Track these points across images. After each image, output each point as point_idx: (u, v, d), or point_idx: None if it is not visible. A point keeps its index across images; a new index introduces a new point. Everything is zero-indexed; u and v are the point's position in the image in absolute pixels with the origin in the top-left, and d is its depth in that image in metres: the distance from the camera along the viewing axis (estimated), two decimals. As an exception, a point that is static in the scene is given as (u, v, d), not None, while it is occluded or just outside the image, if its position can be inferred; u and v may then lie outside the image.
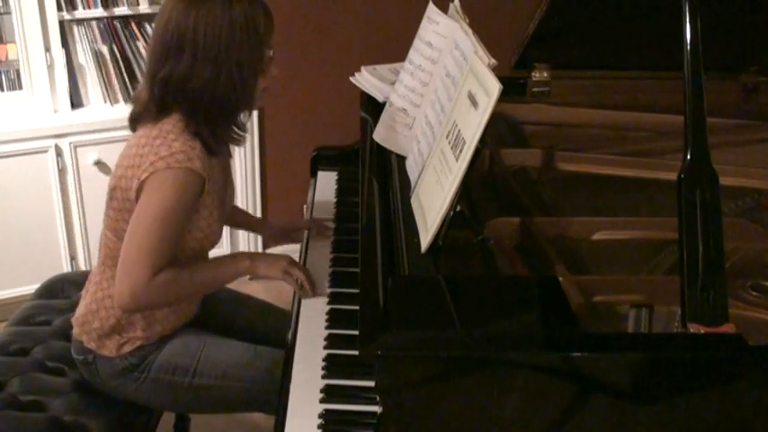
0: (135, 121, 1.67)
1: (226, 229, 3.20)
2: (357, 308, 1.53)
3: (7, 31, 2.81)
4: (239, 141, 1.71)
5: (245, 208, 3.26)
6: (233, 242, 3.31)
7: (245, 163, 3.22)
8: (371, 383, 1.16)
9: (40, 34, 2.75)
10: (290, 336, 1.62)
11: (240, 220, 2.14)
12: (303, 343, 1.59)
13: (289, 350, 1.58)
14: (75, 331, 1.77)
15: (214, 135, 1.60)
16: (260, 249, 3.39)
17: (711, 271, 1.11)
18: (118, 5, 2.91)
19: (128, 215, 1.61)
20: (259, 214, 3.33)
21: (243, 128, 1.70)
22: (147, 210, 1.56)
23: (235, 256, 1.78)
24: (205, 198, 1.62)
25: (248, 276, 2.13)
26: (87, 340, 1.73)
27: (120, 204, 1.63)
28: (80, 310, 1.77)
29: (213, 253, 1.81)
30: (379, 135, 1.82)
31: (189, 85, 1.55)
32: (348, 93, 2.28)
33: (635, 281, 1.39)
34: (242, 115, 1.68)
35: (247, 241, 3.34)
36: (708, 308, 1.10)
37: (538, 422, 1.08)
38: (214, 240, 1.71)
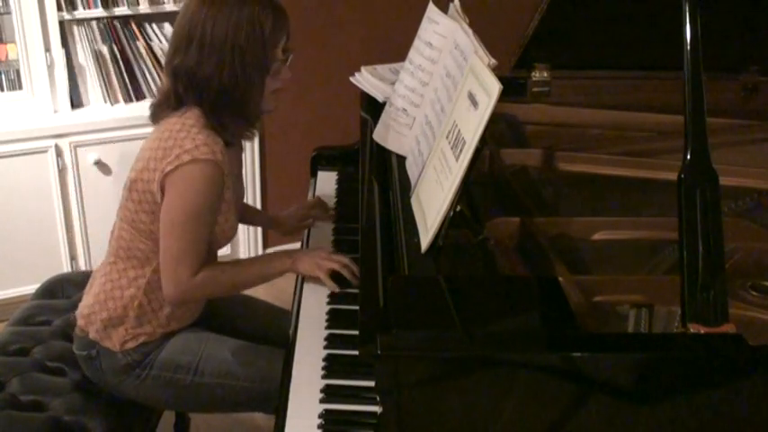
0: (155, 113, 1.70)
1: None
2: (357, 308, 1.53)
3: (7, 31, 2.81)
4: (249, 137, 1.77)
5: (245, 208, 3.27)
6: (233, 241, 3.31)
7: (245, 163, 3.21)
8: (371, 383, 1.16)
9: (40, 34, 2.75)
10: (290, 336, 1.62)
11: (248, 215, 2.16)
12: (303, 343, 1.59)
13: (289, 350, 1.58)
14: (80, 323, 1.77)
15: (224, 128, 1.63)
16: (260, 248, 3.39)
17: (711, 271, 1.11)
18: (118, 5, 2.91)
19: (147, 207, 1.64)
20: (259, 214, 3.33)
21: (253, 125, 1.73)
22: (180, 210, 1.59)
23: (275, 256, 1.80)
24: (225, 192, 1.64)
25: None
26: (92, 331, 1.73)
27: (141, 196, 1.64)
28: (86, 301, 1.78)
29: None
30: (379, 135, 1.82)
31: (196, 78, 1.59)
32: (348, 93, 2.28)
33: (635, 281, 1.39)
34: (253, 113, 1.69)
35: (247, 241, 3.35)
36: (708, 308, 1.10)
37: (538, 422, 1.08)
38: (230, 236, 1.73)
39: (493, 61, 1.39)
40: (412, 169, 1.61)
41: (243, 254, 3.36)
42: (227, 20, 1.56)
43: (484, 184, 1.75)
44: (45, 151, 2.83)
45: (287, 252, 1.79)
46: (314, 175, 2.34)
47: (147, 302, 1.71)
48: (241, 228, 3.29)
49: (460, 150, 1.31)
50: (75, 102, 2.96)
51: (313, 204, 2.11)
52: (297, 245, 2.07)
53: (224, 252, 3.26)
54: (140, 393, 1.76)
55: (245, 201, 3.18)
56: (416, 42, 1.80)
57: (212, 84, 1.58)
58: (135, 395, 1.76)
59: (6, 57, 2.82)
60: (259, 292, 1.97)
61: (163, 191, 1.60)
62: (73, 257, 3.00)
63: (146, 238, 1.67)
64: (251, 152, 3.22)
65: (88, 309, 1.76)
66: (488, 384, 1.06)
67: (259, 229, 3.37)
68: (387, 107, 1.84)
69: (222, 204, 1.65)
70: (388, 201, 1.60)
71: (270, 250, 3.41)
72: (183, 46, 1.59)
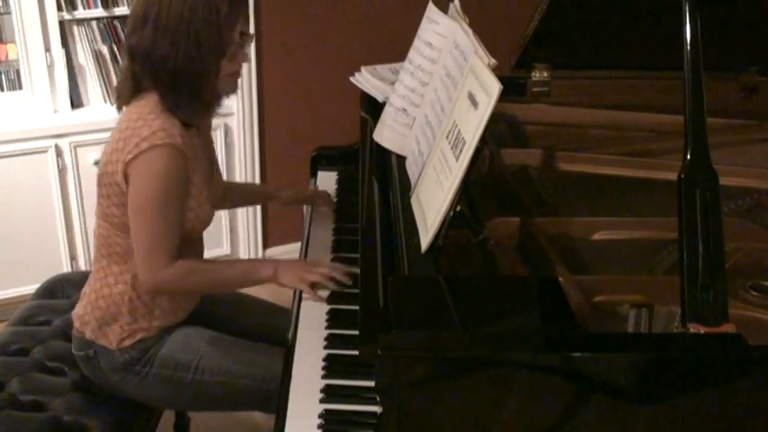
0: (118, 96, 1.71)
1: (225, 228, 3.23)
2: (357, 308, 1.53)
3: (7, 31, 2.81)
4: (208, 120, 1.78)
5: (245, 208, 3.27)
6: (233, 241, 3.31)
7: (245, 163, 3.22)
8: (371, 383, 1.16)
9: (40, 34, 2.75)
10: (290, 336, 1.62)
11: (241, 197, 2.20)
12: (303, 343, 1.59)
13: (289, 350, 1.58)
14: (76, 325, 1.77)
15: (180, 110, 1.62)
16: (260, 248, 3.39)
17: (711, 271, 1.11)
18: (118, 5, 2.90)
19: (116, 199, 1.64)
20: (259, 214, 3.33)
21: (210, 108, 1.71)
22: (144, 196, 1.59)
23: (259, 263, 1.82)
24: (192, 176, 1.64)
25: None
26: (89, 331, 1.74)
27: (109, 190, 1.65)
28: (80, 302, 1.79)
29: (214, 254, 1.82)
30: (379, 135, 1.82)
31: (151, 57, 1.59)
32: (348, 93, 2.28)
33: (635, 281, 1.39)
34: (209, 96, 1.67)
35: (247, 241, 3.34)
36: (708, 308, 1.10)
37: (538, 422, 1.08)
38: (206, 220, 1.73)
39: (493, 61, 1.39)
40: (412, 169, 1.61)
41: (243, 253, 3.36)
42: (182, 0, 1.56)
43: (484, 184, 1.75)
44: (45, 151, 2.82)
45: (271, 261, 1.80)
46: (314, 175, 2.34)
47: (136, 297, 1.71)
48: (241, 227, 3.30)
49: (460, 150, 1.31)
50: (75, 102, 2.95)
51: (316, 194, 2.14)
52: (297, 245, 2.07)
53: (223, 251, 3.26)
54: (141, 392, 1.76)
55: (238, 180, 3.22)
56: (416, 42, 1.80)
57: (167, 64, 1.58)
58: (135, 393, 1.76)
59: (6, 57, 2.82)
60: (260, 291, 1.97)
61: (127, 181, 1.60)
62: (73, 257, 3.00)
63: (121, 231, 1.67)
64: (251, 152, 3.22)
65: (82, 309, 1.77)
66: (488, 384, 1.06)
67: (259, 229, 3.36)
68: (387, 107, 1.84)
69: (191, 188, 1.65)
70: (388, 201, 1.60)
71: (270, 250, 3.41)
72: (139, 26, 1.59)
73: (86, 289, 1.78)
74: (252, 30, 1.66)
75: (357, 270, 1.64)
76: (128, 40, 1.63)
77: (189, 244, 1.72)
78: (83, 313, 1.76)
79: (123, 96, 1.68)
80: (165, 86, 1.60)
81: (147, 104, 1.62)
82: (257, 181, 3.28)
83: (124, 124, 1.62)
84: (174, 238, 1.64)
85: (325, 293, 1.71)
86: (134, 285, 1.71)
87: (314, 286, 1.71)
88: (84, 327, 1.75)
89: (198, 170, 1.66)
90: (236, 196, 2.13)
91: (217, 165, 1.89)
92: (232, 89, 1.70)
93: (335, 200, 2.18)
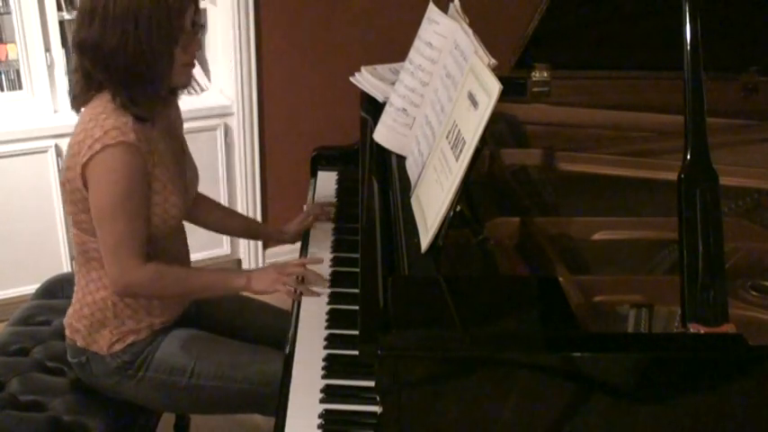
0: (73, 97, 1.68)
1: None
2: (357, 308, 1.53)
3: (7, 31, 2.81)
4: (165, 112, 1.71)
5: (245, 208, 3.26)
6: (233, 242, 3.31)
7: (245, 163, 3.22)
8: (371, 383, 1.16)
9: (40, 34, 2.75)
10: (290, 336, 1.62)
11: (238, 226, 2.11)
12: (303, 343, 1.59)
13: (289, 350, 1.58)
14: (67, 333, 1.77)
15: (135, 104, 1.59)
16: (260, 248, 3.39)
17: (711, 271, 1.11)
18: (118, 5, 2.90)
19: (82, 206, 1.63)
20: (259, 214, 3.33)
21: (164, 99, 1.69)
22: (103, 198, 1.58)
23: (231, 273, 1.79)
24: (153, 170, 1.62)
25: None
26: (79, 339, 1.74)
27: (73, 197, 1.64)
28: (68, 311, 1.79)
29: (214, 254, 1.81)
30: (379, 135, 1.82)
31: (101, 51, 1.56)
32: (348, 93, 2.28)
33: (635, 281, 1.39)
34: (164, 87, 1.65)
35: (247, 242, 3.34)
36: (708, 308, 1.10)
37: (538, 422, 1.08)
38: (175, 214, 1.69)
39: (493, 61, 1.39)
40: (412, 169, 1.61)
41: (243, 253, 3.36)
42: None
43: (484, 184, 1.75)
44: (45, 151, 2.82)
45: (243, 271, 1.78)
46: (314, 175, 2.34)
47: (119, 300, 1.70)
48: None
49: (460, 150, 1.31)
50: (75, 102, 2.95)
51: (310, 211, 2.09)
52: (297, 245, 2.07)
53: (223, 252, 3.26)
54: (137, 395, 1.75)
55: (241, 206, 3.20)
56: (416, 42, 1.80)
57: (118, 56, 1.55)
58: (132, 397, 1.76)
59: (6, 57, 2.82)
60: (259, 292, 1.97)
61: (86, 185, 1.59)
62: (73, 257, 3.00)
63: (94, 236, 1.66)
64: (251, 152, 3.22)
65: (70, 318, 1.77)
66: (488, 384, 1.06)
67: (259, 229, 3.36)
68: (387, 107, 1.84)
69: (153, 183, 1.63)
70: (388, 201, 1.60)
71: (270, 250, 3.41)
72: (87, 20, 1.56)
73: (73, 298, 1.78)
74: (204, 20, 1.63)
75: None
76: (76, 35, 1.60)
77: (165, 241, 1.71)
78: (71, 322, 1.76)
79: (78, 96, 1.65)
80: (118, 80, 1.57)
81: (100, 104, 1.60)
82: (257, 181, 3.28)
83: (79, 128, 1.60)
84: (140, 238, 1.62)
85: (319, 288, 1.72)
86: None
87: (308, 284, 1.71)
88: (75, 335, 1.75)
89: (159, 164, 1.63)
90: (215, 213, 2.04)
91: (189, 156, 1.84)
92: (187, 80, 1.68)
93: (335, 200, 2.18)
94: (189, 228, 1.89)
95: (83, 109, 1.65)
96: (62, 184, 1.67)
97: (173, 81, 1.65)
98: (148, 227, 1.64)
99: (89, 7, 1.56)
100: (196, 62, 1.70)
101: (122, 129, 1.55)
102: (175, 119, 1.80)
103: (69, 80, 1.72)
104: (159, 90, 1.63)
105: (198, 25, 1.64)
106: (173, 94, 1.73)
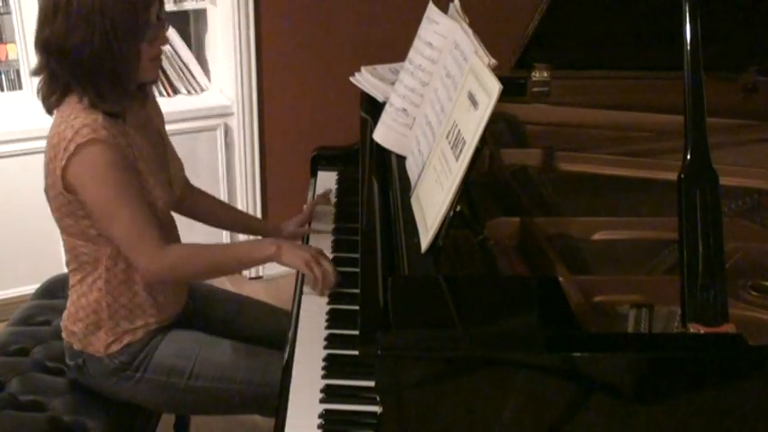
0: (44, 99, 1.65)
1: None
2: (357, 308, 1.53)
3: (7, 31, 2.81)
4: (134, 107, 1.69)
5: (245, 208, 3.26)
6: (233, 239, 3.30)
7: (245, 163, 3.22)
8: (371, 383, 1.15)
9: (40, 34, 2.75)
10: (290, 336, 1.62)
11: (237, 221, 2.10)
12: (303, 343, 1.59)
13: (289, 350, 1.58)
14: (64, 335, 1.78)
15: (103, 100, 1.58)
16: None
17: (711, 271, 1.11)
18: (118, 5, 2.90)
19: (66, 210, 1.62)
20: (259, 214, 3.32)
21: (133, 94, 1.67)
22: (97, 196, 1.57)
23: (260, 242, 1.77)
24: (135, 164, 1.62)
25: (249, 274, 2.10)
26: (76, 342, 1.74)
27: (56, 202, 1.64)
28: (64, 314, 1.79)
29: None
30: (379, 135, 1.82)
31: (67, 48, 1.54)
32: (348, 93, 2.28)
33: (635, 281, 1.39)
34: (131, 82, 1.64)
35: (247, 239, 3.33)
36: (708, 308, 1.10)
37: (538, 422, 1.08)
38: (161, 208, 1.68)
39: (493, 61, 1.39)
40: (412, 169, 1.61)
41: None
42: None
43: (484, 184, 1.75)
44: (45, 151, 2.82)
45: (273, 240, 1.76)
46: (314, 175, 2.34)
47: (113, 301, 1.70)
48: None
49: (460, 150, 1.31)
50: (75, 102, 2.95)
51: (312, 206, 2.08)
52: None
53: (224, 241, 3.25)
54: (135, 396, 1.75)
55: (241, 206, 3.20)
56: (416, 42, 1.80)
57: (84, 53, 1.53)
58: (131, 398, 1.76)
59: (6, 57, 2.82)
60: (259, 292, 1.97)
61: (68, 188, 1.58)
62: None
63: (82, 240, 1.66)
64: (251, 152, 3.21)
65: (65, 321, 1.77)
66: (488, 384, 1.06)
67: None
68: (386, 107, 1.84)
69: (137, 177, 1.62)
70: (388, 201, 1.60)
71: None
72: (50, 17, 1.54)
73: (68, 301, 1.78)
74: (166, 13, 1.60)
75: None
76: (39, 34, 1.57)
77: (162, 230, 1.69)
78: (66, 325, 1.76)
79: (48, 98, 1.63)
80: (86, 77, 1.55)
81: (68, 107, 1.58)
82: (257, 181, 3.28)
83: (52, 131, 1.59)
84: (152, 223, 1.60)
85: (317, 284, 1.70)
86: (108, 290, 1.69)
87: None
88: (71, 337, 1.75)
89: (139, 157, 1.63)
90: (214, 208, 2.03)
91: (171, 149, 1.83)
92: (154, 75, 1.67)
93: (335, 200, 2.18)
94: (188, 223, 1.89)
95: (55, 111, 1.63)
96: (45, 191, 1.66)
97: (140, 76, 1.63)
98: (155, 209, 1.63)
99: (50, 5, 1.54)
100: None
101: (92, 125, 1.54)
102: (153, 113, 1.79)
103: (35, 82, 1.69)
104: (127, 85, 1.62)
105: (163, 19, 1.63)
106: (140, 90, 1.71)
